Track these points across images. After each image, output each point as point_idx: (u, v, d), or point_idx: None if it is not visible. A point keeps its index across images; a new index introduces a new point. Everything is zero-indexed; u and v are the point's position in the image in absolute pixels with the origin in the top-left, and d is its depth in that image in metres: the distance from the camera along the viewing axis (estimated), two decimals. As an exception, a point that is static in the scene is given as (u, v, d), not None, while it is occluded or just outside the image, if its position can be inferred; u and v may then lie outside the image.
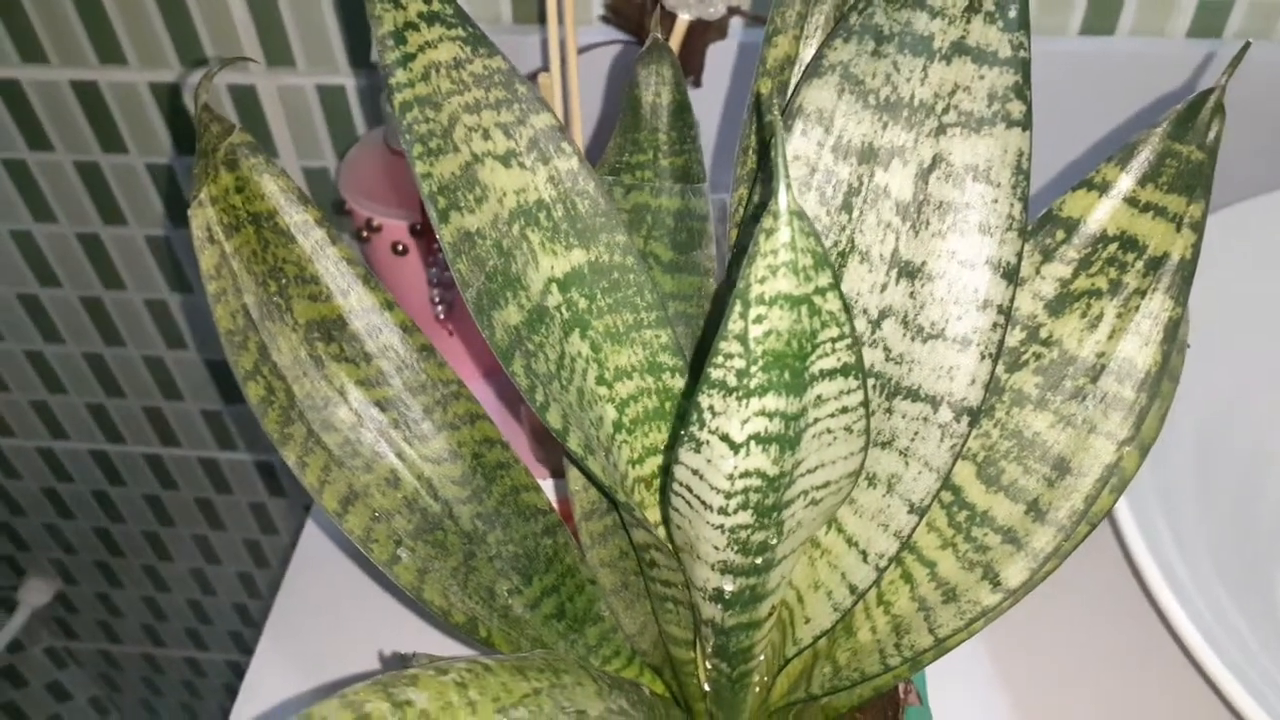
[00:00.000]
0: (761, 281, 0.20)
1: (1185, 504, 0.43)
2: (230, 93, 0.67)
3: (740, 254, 0.27)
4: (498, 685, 0.23)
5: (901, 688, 0.34)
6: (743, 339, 0.21)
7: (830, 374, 0.22)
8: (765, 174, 0.27)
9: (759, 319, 0.21)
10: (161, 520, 1.11)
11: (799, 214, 0.20)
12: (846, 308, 0.21)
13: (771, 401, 0.22)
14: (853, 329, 0.21)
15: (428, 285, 0.53)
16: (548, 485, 0.45)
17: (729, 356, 0.21)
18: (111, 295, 0.85)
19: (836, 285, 0.21)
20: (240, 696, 0.47)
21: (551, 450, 0.46)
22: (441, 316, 0.55)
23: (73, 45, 0.65)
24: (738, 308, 0.21)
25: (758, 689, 0.32)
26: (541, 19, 0.59)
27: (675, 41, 0.39)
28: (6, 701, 1.35)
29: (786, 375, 0.21)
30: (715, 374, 0.21)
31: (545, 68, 0.57)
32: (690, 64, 0.46)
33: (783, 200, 0.20)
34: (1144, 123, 0.53)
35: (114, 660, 1.36)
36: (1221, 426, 0.47)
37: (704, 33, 0.47)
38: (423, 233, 0.52)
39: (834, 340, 0.21)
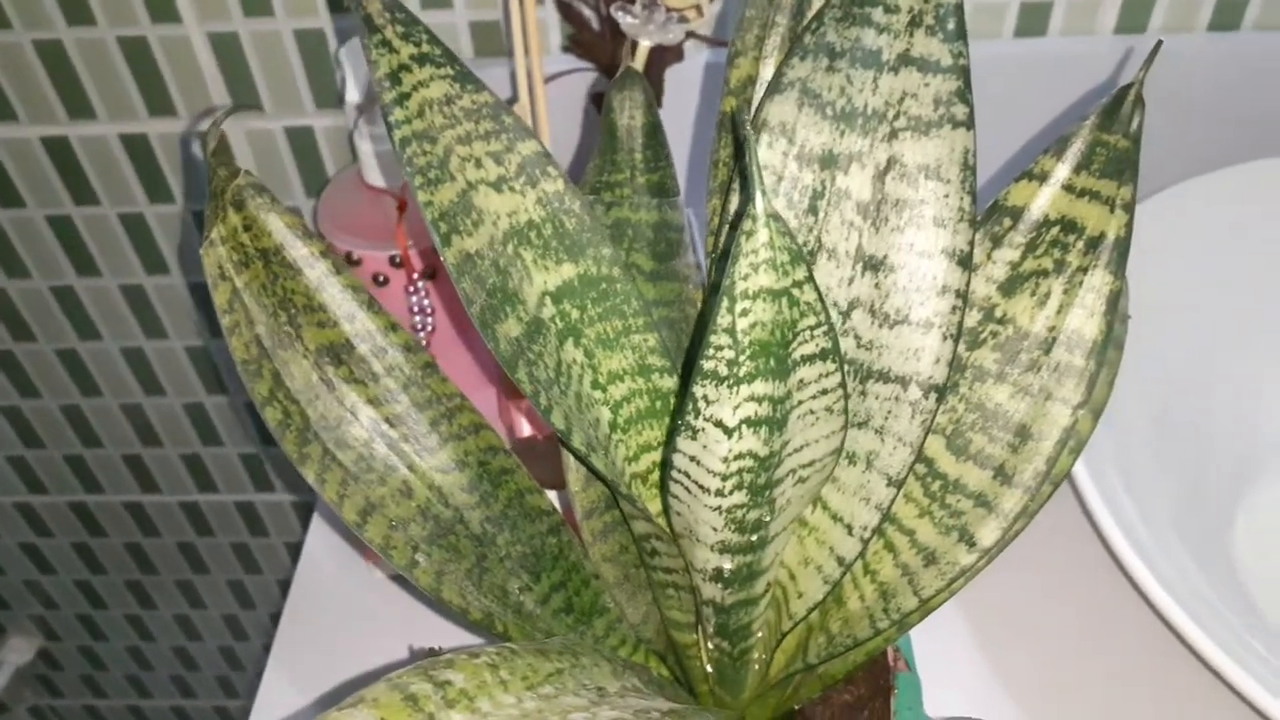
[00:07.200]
0: (745, 278, 0.23)
1: (1143, 471, 0.46)
2: (199, 139, 0.69)
3: (723, 257, 0.30)
4: (525, 666, 0.25)
5: (891, 656, 0.37)
6: (731, 331, 0.23)
7: (810, 359, 0.24)
8: (737, 184, 0.29)
9: (744, 312, 0.23)
10: (144, 568, 1.11)
11: (774, 216, 0.22)
12: (821, 298, 0.23)
13: (760, 387, 0.24)
14: (828, 317, 0.24)
15: (409, 313, 0.55)
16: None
17: (719, 349, 0.23)
18: (87, 346, 0.86)
19: (811, 278, 0.23)
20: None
21: (536, 468, 0.48)
22: (424, 343, 0.56)
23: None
24: (725, 303, 0.23)
25: (757, 666, 0.34)
26: (501, 52, 0.62)
27: (637, 65, 0.42)
28: (-8, 764, 1.34)
29: (772, 362, 0.24)
30: (708, 365, 0.24)
31: (514, 98, 0.59)
32: (651, 86, 0.48)
33: (759, 205, 0.22)
34: (1076, 116, 0.56)
35: (99, 715, 1.36)
36: (1173, 398, 0.50)
37: (662, 56, 0.50)
38: (401, 264, 0.54)
39: (812, 328, 0.24)
